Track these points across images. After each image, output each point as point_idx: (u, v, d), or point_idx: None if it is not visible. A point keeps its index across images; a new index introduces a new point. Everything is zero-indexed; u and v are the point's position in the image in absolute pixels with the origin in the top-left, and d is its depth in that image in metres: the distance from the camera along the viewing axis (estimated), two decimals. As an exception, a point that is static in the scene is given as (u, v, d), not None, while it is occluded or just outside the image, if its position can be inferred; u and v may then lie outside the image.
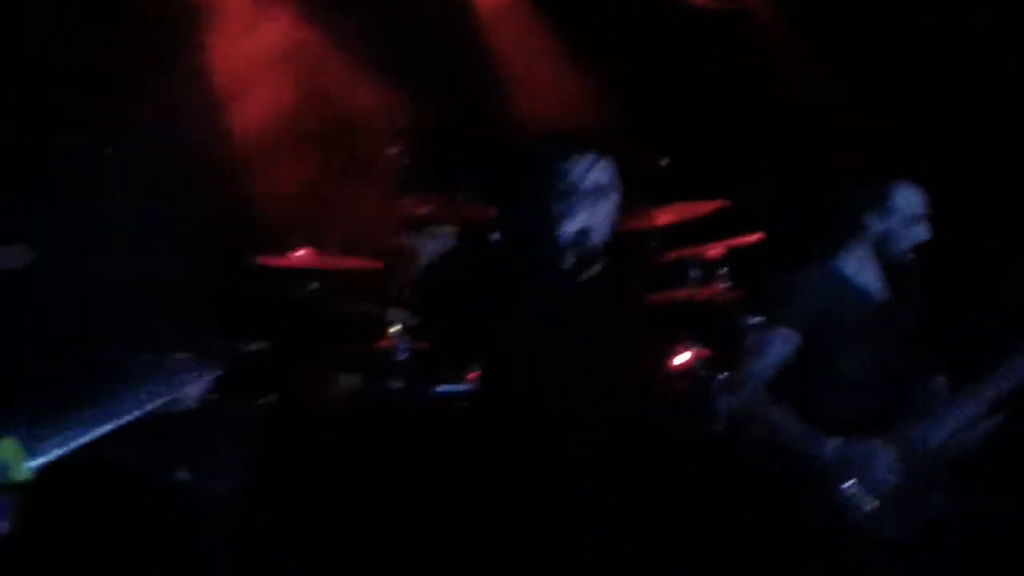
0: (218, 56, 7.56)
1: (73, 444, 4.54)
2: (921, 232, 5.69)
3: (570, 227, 5.15)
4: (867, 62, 7.66)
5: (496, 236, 6.96)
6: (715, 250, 7.35)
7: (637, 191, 6.00)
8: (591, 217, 5.16)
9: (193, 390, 4.81)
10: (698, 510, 5.42)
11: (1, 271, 4.65)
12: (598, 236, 5.20)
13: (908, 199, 5.69)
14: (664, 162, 7.31)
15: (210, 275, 6.47)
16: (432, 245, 7.34)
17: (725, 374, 6.88)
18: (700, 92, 7.96)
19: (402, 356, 6.99)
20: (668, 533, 5.24)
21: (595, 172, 5.20)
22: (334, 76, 7.70)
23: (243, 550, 5.41)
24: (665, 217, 7.34)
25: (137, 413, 4.64)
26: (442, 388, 6.69)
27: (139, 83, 6.99)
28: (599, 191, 5.21)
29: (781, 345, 5.58)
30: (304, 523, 5.79)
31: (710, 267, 7.37)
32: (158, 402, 4.68)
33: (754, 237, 7.38)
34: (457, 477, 5.28)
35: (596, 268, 5.23)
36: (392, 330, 7.06)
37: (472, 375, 6.49)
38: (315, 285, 7.28)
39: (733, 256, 7.36)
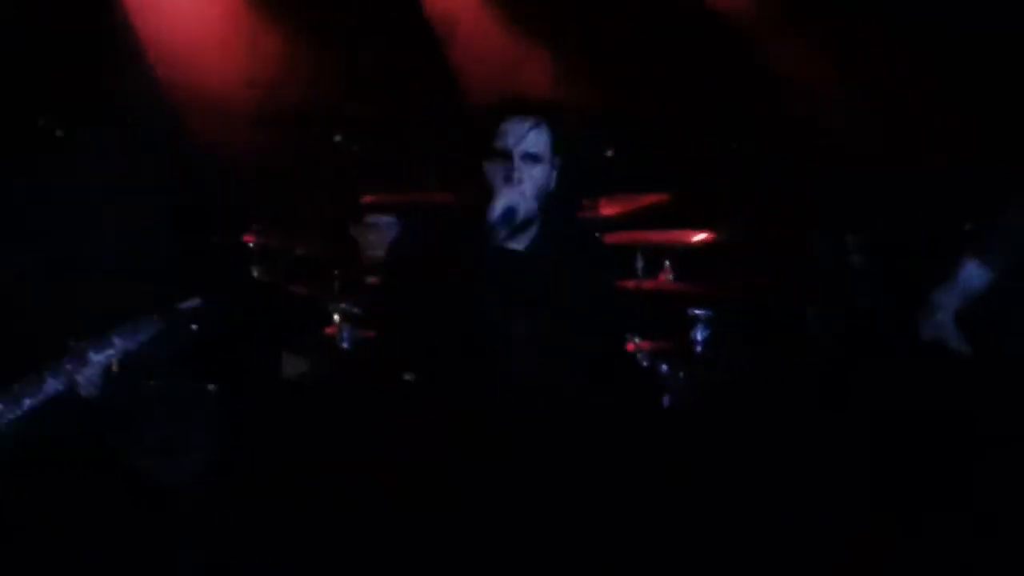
0: (164, 40, 7.58)
1: None
2: None
3: (499, 204, 5.06)
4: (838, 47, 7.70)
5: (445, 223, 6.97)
6: (660, 242, 7.38)
7: (582, 181, 5.97)
8: (521, 185, 5.08)
9: (87, 375, 4.83)
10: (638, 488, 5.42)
11: None
12: (526, 209, 5.11)
13: None
14: (609, 152, 7.34)
15: (172, 255, 6.50)
16: (376, 234, 7.36)
17: (667, 366, 6.95)
18: (653, 82, 7.98)
19: (346, 344, 7.02)
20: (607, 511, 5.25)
21: (531, 136, 5.11)
22: (277, 61, 7.72)
23: (205, 536, 5.42)
24: (609, 208, 7.36)
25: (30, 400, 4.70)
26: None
27: (107, 70, 7.02)
28: (532, 157, 5.12)
29: (975, 276, 5.33)
30: (264, 508, 5.80)
31: (654, 258, 7.40)
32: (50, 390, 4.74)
33: (701, 231, 7.41)
34: (413, 456, 5.29)
35: (524, 240, 5.16)
36: (337, 318, 7.08)
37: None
38: (264, 268, 7.28)
39: (678, 248, 7.39)
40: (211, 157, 7.44)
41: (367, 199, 7.29)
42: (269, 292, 7.24)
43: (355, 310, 7.09)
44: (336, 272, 7.22)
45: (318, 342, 7.12)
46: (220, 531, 5.66)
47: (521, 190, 5.09)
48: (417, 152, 7.47)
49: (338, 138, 7.20)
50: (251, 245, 7.24)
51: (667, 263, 7.37)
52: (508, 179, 5.06)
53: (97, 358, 4.81)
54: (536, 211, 5.16)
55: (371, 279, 7.19)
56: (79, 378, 4.79)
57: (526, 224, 5.14)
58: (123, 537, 4.81)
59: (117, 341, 4.85)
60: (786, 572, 5.39)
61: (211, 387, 6.28)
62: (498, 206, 5.04)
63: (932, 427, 5.49)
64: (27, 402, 4.71)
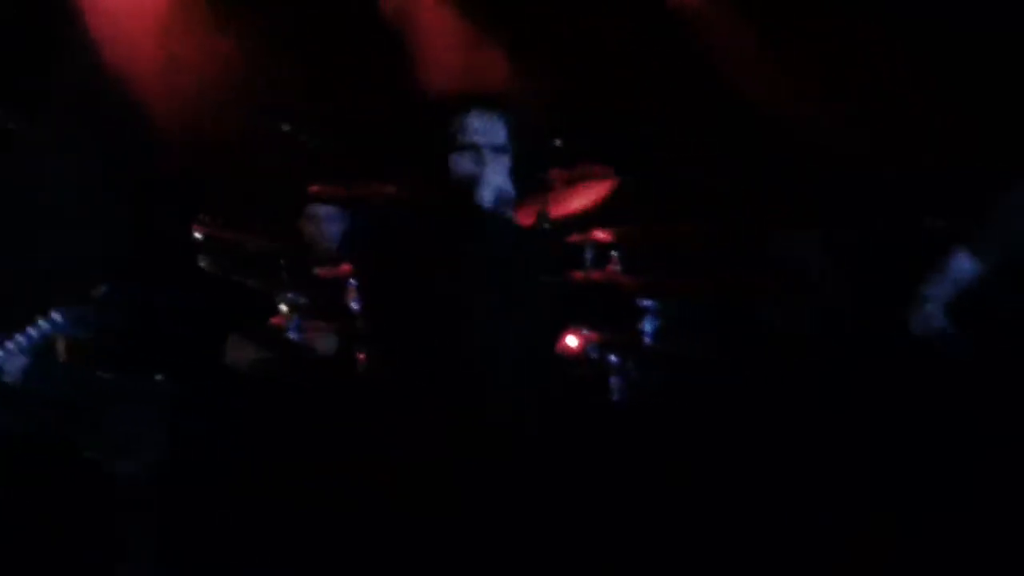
0: (107, 23, 7.51)
1: None
2: None
3: (488, 190, 5.18)
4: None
5: (396, 215, 6.97)
6: (608, 233, 7.37)
7: (532, 171, 6.01)
8: (499, 175, 5.21)
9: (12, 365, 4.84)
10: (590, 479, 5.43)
11: None
12: (509, 195, 5.24)
13: None
14: (558, 142, 7.32)
15: (121, 245, 6.49)
16: (324, 226, 7.37)
17: (617, 357, 6.96)
18: (603, 72, 7.98)
19: (293, 335, 7.00)
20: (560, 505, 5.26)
21: (497, 128, 5.24)
22: (226, 51, 7.68)
23: (158, 529, 5.40)
24: (561, 201, 7.35)
25: None
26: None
27: (47, 58, 6.96)
28: (500, 148, 5.25)
29: (966, 268, 5.30)
30: (219, 501, 5.78)
31: (603, 250, 7.39)
32: None
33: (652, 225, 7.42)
34: (364, 447, 5.29)
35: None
36: (284, 308, 7.06)
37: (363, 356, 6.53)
38: (212, 259, 7.23)
39: (626, 240, 7.39)
40: (159, 148, 7.39)
41: (315, 190, 7.25)
42: (217, 283, 7.20)
43: (302, 301, 7.07)
44: (284, 263, 7.19)
45: (265, 333, 7.08)
46: (176, 524, 5.64)
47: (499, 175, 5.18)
48: (368, 144, 7.44)
49: (287, 128, 7.15)
50: (199, 236, 7.20)
51: (615, 254, 7.37)
52: (484, 168, 5.14)
53: (16, 346, 4.83)
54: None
55: (319, 270, 7.19)
56: (4, 366, 4.78)
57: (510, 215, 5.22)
58: (80, 530, 4.79)
59: (35, 329, 4.88)
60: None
61: (159, 377, 6.25)
62: (487, 191, 5.13)
63: (895, 423, 5.52)
64: None
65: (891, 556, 5.21)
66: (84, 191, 6.41)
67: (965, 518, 5.20)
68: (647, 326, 7.06)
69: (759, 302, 7.01)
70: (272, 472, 5.83)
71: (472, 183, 5.22)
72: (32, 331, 4.92)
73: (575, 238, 7.37)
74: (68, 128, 6.73)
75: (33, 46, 7.04)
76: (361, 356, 6.44)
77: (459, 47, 7.98)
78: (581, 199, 7.30)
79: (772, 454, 5.72)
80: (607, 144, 7.62)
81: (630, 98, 7.89)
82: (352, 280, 6.76)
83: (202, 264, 7.18)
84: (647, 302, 7.07)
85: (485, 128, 5.24)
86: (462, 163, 5.24)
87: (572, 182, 7.33)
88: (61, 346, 6.04)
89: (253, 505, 5.75)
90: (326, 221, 7.41)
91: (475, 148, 5.24)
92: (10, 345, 4.87)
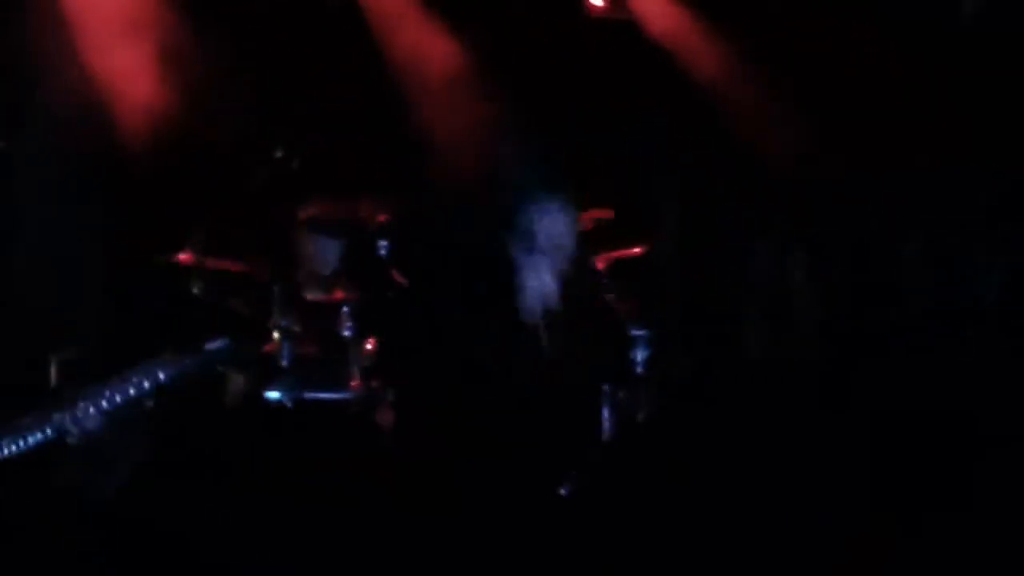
0: (99, 55, 7.50)
1: None
2: None
3: (533, 294, 5.18)
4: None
5: (385, 244, 6.98)
6: (602, 261, 7.37)
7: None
8: (549, 274, 5.20)
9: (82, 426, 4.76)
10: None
11: None
12: (554, 294, 5.23)
13: None
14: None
15: (108, 273, 6.48)
16: (319, 250, 7.36)
17: (608, 385, 6.96)
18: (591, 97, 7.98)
19: (286, 361, 6.99)
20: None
21: (559, 226, 5.22)
22: (215, 75, 7.68)
23: (127, 551, 5.37)
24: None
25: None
26: (325, 395, 6.73)
27: (35, 81, 6.95)
28: (559, 248, 5.24)
29: None
30: (190, 524, 5.76)
31: (596, 278, 7.39)
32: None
33: (638, 250, 7.41)
34: (344, 480, 5.28)
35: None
36: (276, 335, 7.05)
37: (355, 383, 6.54)
38: (203, 286, 7.21)
39: (620, 267, 7.39)
40: (147, 174, 7.38)
41: (308, 214, 7.26)
42: (208, 310, 7.18)
43: (295, 328, 7.05)
44: (275, 289, 7.17)
45: (256, 359, 7.07)
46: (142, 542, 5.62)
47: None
48: (357, 169, 7.45)
49: (279, 153, 7.16)
50: (189, 263, 7.18)
51: (609, 282, 7.37)
52: (534, 258, 5.14)
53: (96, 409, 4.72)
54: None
55: (311, 296, 7.18)
56: (81, 425, 4.70)
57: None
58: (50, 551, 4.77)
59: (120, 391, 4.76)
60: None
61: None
62: (533, 285, 5.09)
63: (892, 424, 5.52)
64: (29, 439, 4.62)
65: (891, 556, 5.21)
66: (66, 217, 6.41)
67: (965, 518, 5.21)
68: (638, 354, 7.06)
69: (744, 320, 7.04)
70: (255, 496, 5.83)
71: (515, 271, 5.21)
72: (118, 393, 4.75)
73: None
74: (51, 151, 6.72)
75: (17, 67, 7.02)
76: (355, 383, 6.45)
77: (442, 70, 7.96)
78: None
79: (769, 463, 5.72)
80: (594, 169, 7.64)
81: (612, 122, 7.89)
82: (345, 307, 6.76)
83: (193, 290, 7.17)
84: (638, 331, 7.07)
85: (551, 226, 5.21)
86: (514, 249, 5.21)
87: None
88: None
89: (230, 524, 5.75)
90: (320, 247, 7.40)
91: (532, 238, 5.22)
92: (90, 407, 4.71)
